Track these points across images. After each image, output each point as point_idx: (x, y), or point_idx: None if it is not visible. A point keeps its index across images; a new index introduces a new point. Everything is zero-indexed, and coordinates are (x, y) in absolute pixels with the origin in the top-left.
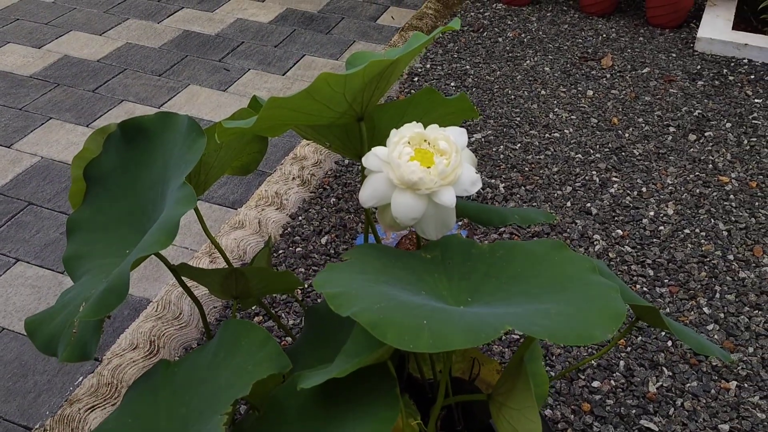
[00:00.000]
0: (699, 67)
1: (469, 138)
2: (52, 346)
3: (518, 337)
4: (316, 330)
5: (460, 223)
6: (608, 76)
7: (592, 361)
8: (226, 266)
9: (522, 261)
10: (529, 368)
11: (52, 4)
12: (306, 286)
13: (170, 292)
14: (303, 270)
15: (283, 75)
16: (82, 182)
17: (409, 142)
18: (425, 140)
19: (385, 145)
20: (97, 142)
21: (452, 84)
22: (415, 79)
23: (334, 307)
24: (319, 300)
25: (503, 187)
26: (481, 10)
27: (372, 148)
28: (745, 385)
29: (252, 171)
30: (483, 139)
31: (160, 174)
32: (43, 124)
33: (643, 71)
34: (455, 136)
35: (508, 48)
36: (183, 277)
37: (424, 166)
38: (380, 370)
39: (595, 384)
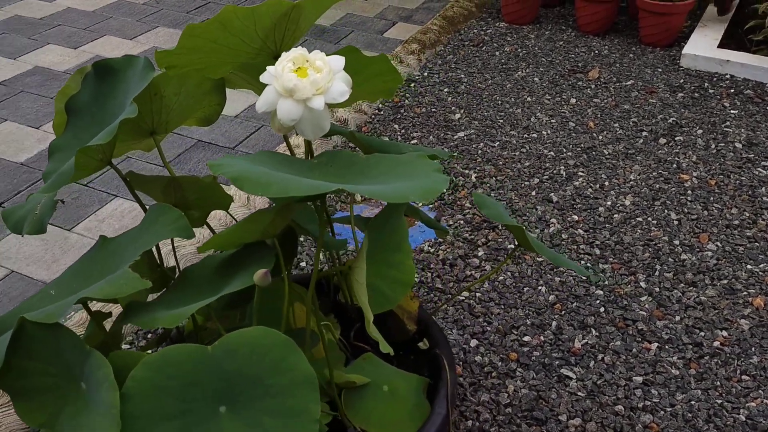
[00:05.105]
0: (682, 80)
1: (452, 136)
2: (19, 227)
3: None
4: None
5: (430, 205)
6: (593, 86)
7: (477, 285)
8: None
9: (389, 164)
10: (398, 259)
11: (91, 13)
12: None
13: None
14: None
15: None
16: (63, 114)
17: (293, 62)
18: (307, 60)
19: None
20: (76, 81)
21: (445, 90)
22: (412, 85)
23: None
24: None
25: (475, 177)
26: (485, 28)
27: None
28: (666, 347)
29: (213, 122)
30: (465, 137)
31: (122, 102)
32: None
33: (627, 83)
34: (333, 60)
35: (503, 61)
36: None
37: (301, 77)
38: (264, 246)
39: (526, 338)
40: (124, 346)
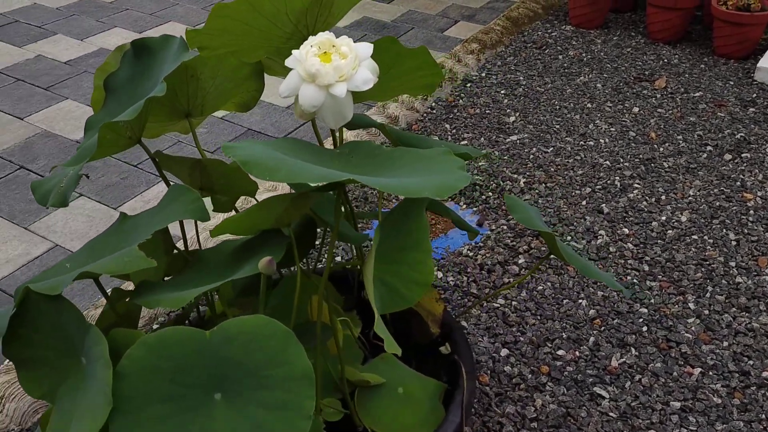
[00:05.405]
0: (754, 95)
1: (503, 139)
2: (45, 199)
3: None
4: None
5: (474, 209)
6: (658, 96)
7: (511, 289)
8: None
9: (412, 158)
10: (416, 258)
11: None
12: None
13: None
14: None
15: None
16: (101, 91)
17: (319, 46)
18: (333, 45)
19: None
20: (116, 58)
21: (502, 92)
22: (468, 85)
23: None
24: None
25: (523, 182)
26: (549, 30)
27: None
28: (710, 373)
29: (251, 108)
30: (518, 141)
31: (156, 81)
32: None
33: (695, 95)
34: (360, 47)
35: (565, 65)
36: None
37: (325, 63)
38: (279, 234)
39: (560, 352)
40: (155, 327)
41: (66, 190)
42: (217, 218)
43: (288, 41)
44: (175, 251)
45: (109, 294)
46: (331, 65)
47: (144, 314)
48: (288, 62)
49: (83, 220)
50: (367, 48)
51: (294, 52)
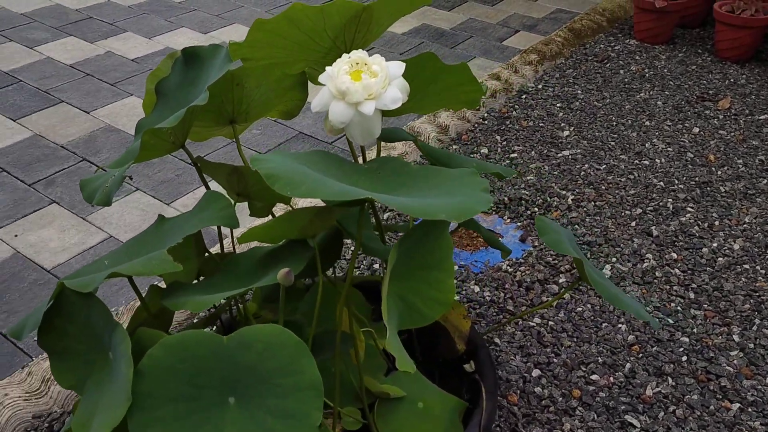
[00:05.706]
0: None
1: (555, 153)
2: (92, 196)
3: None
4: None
5: (518, 223)
6: (721, 117)
7: (549, 306)
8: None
9: (439, 177)
10: (437, 278)
11: (225, 1)
12: None
13: None
14: None
15: None
16: (152, 95)
17: (351, 64)
18: (365, 64)
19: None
20: (167, 64)
21: (558, 105)
22: (523, 96)
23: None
24: None
25: (572, 199)
26: (612, 44)
27: None
28: (749, 409)
29: (295, 116)
30: (570, 156)
31: (201, 89)
32: None
33: (761, 117)
34: (391, 66)
35: (626, 80)
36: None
37: (355, 81)
38: (304, 245)
39: (594, 377)
40: (195, 321)
41: (110, 190)
42: (254, 222)
43: (326, 56)
44: (207, 254)
45: (149, 288)
46: (361, 83)
47: (184, 311)
48: (321, 78)
49: (137, 214)
50: (398, 67)
51: (327, 68)
